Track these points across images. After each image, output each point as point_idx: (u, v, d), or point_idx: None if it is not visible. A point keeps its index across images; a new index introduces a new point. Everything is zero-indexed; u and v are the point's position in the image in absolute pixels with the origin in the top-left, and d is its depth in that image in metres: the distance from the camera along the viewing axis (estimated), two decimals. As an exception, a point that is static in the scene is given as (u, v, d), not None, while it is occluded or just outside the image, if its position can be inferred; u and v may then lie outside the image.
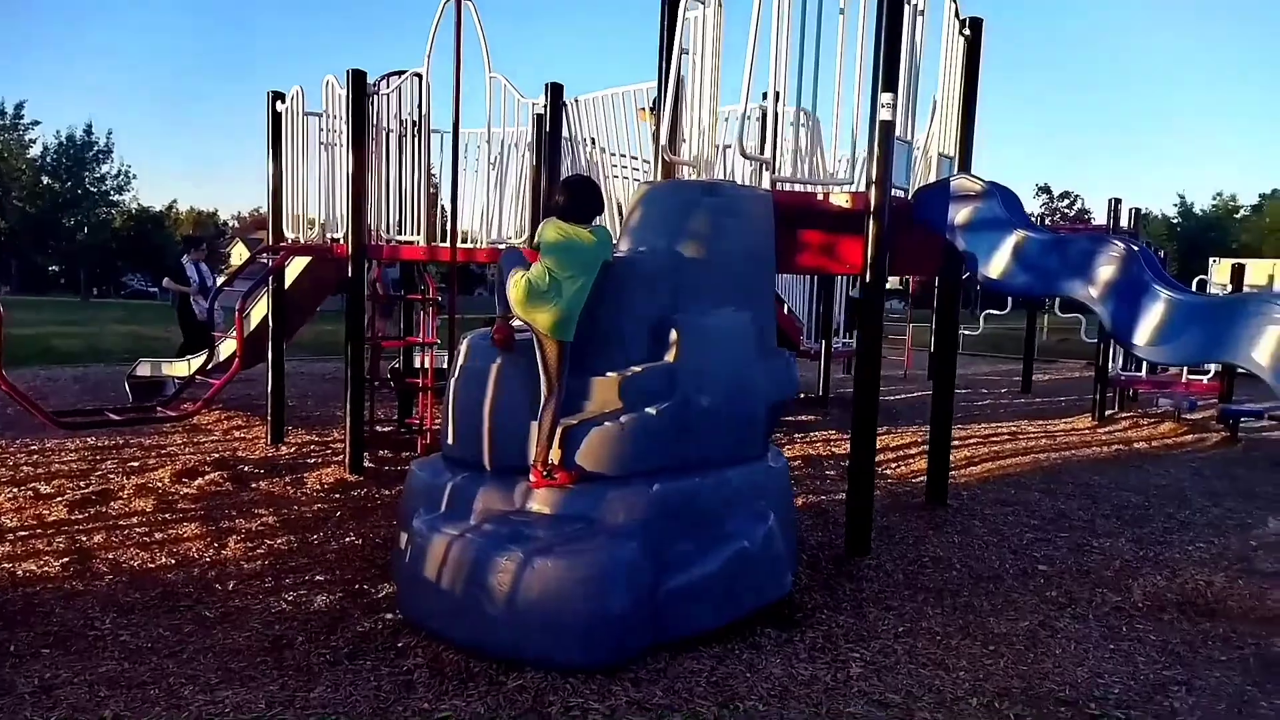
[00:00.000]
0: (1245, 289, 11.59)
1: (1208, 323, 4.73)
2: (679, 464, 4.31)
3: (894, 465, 8.37)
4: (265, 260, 8.36)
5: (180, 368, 9.92)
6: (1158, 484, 7.86)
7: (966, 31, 6.31)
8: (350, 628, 4.11)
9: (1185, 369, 11.56)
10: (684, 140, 5.94)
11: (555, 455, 4.14)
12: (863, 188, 5.36)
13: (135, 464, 7.33)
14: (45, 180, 50.18)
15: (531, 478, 4.15)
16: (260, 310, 8.71)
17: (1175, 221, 63.15)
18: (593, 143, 7.65)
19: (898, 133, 5.31)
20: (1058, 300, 18.16)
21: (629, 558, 3.78)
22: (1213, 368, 11.63)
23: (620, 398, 4.27)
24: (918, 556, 5.47)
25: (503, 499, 4.09)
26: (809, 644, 4.10)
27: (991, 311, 20.33)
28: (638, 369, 4.35)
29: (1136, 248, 5.04)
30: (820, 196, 5.58)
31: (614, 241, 4.61)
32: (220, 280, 10.26)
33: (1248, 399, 10.87)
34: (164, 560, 5.04)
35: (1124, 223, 13.08)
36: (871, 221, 5.25)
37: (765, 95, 7.08)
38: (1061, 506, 6.86)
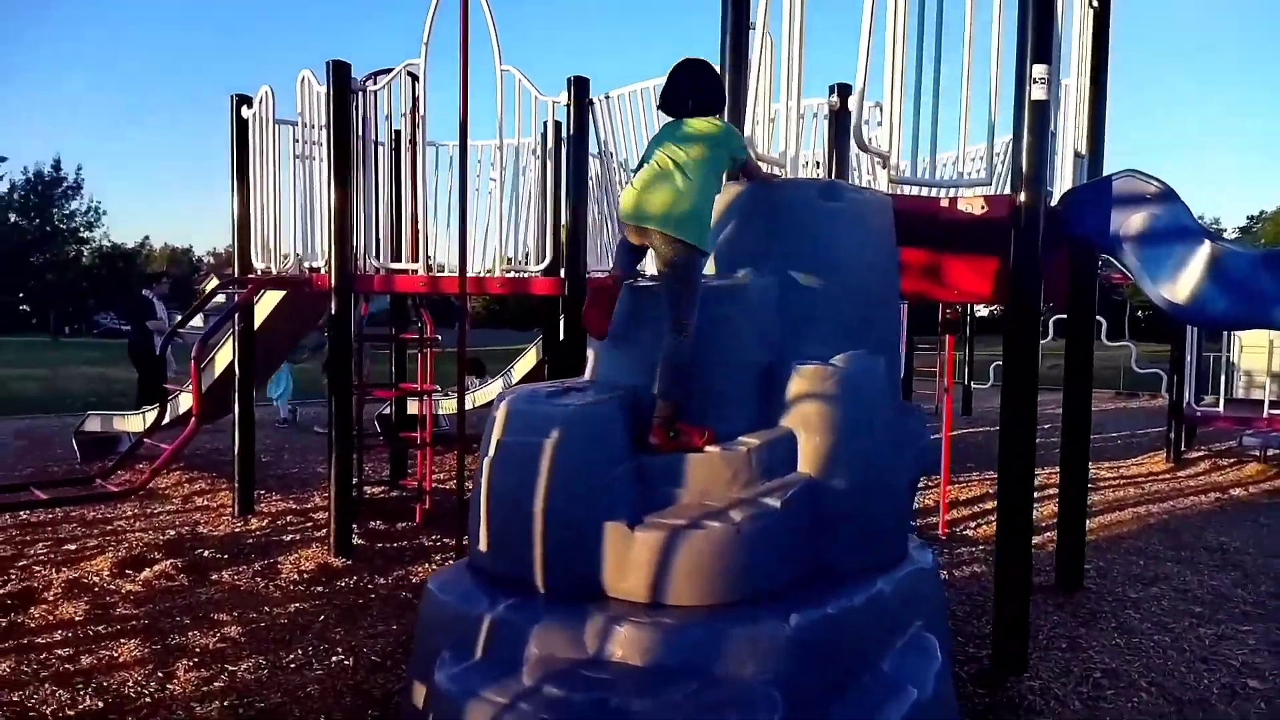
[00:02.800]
0: None
1: None
2: (812, 577, 3.02)
3: (973, 525, 7.10)
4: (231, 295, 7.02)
5: (134, 422, 8.55)
6: (1296, 545, 6.64)
7: (1095, 3, 5.13)
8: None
9: (1267, 403, 10.37)
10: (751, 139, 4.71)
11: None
12: (1003, 190, 4.13)
13: (71, 547, 5.95)
14: (13, 218, 48.58)
15: (652, 438, 3.09)
16: (225, 355, 7.35)
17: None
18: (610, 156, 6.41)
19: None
20: (1052, 324, 17.10)
21: (771, 737, 2.46)
22: (1300, 401, 10.47)
23: (731, 483, 2.98)
24: (1085, 671, 4.18)
25: (569, 641, 2.76)
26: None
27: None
28: (751, 440, 3.06)
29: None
30: (944, 203, 4.34)
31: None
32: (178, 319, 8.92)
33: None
34: (88, 703, 3.68)
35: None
36: (1022, 233, 4.01)
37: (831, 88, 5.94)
38: (1213, 584, 5.59)
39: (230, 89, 8.05)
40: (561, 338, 6.29)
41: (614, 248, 6.31)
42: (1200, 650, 4.47)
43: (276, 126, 6.55)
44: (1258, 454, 10.51)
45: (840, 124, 5.54)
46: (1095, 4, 5.15)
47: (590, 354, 3.57)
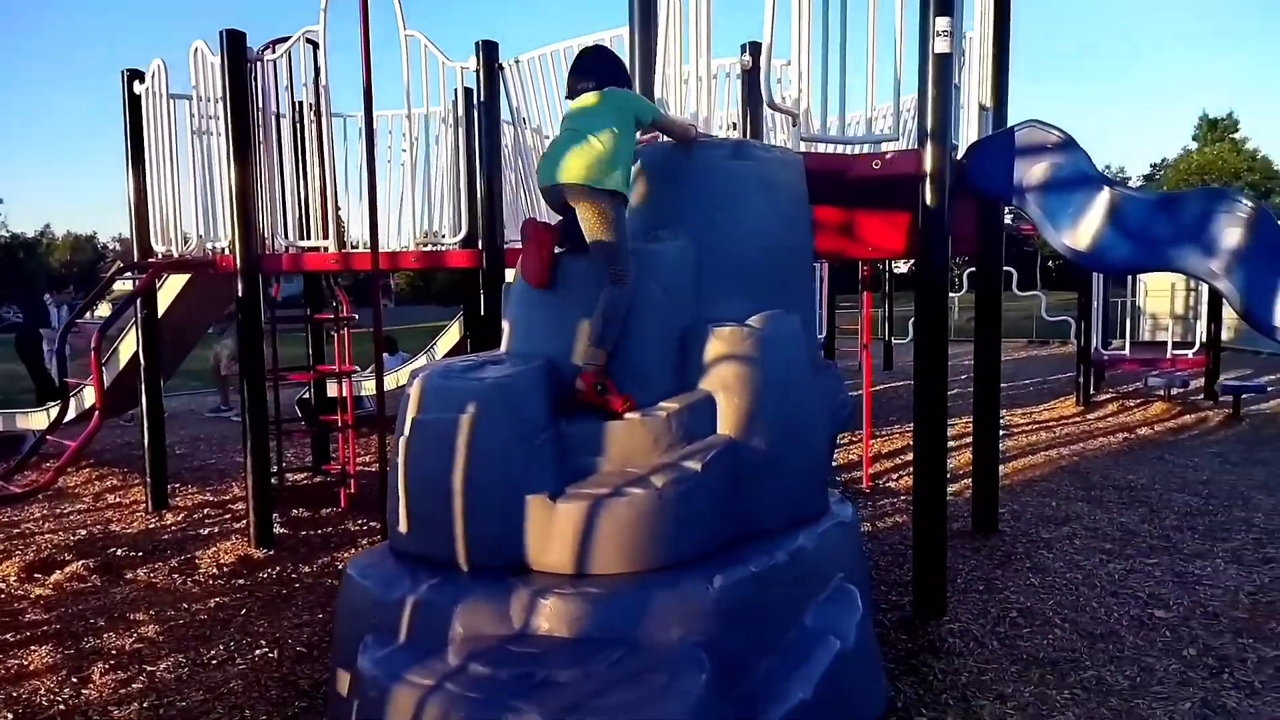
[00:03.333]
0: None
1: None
2: (735, 537, 3.04)
3: (895, 477, 7.27)
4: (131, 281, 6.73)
5: (37, 419, 8.19)
6: (1197, 479, 6.94)
7: (995, -44, 5.18)
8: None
9: (1170, 345, 10.83)
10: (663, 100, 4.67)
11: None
12: (911, 145, 4.18)
13: (-27, 552, 5.68)
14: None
15: (579, 382, 3.10)
16: (129, 345, 7.06)
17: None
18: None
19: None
20: (965, 276, 17.55)
21: (698, 698, 2.48)
22: (1198, 342, 10.95)
23: (651, 448, 2.97)
24: (1003, 611, 4.32)
25: (495, 617, 2.73)
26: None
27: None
28: (671, 405, 3.05)
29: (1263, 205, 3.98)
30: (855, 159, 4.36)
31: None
32: (76, 308, 8.53)
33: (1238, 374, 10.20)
34: (-4, 713, 3.52)
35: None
36: (929, 188, 4.06)
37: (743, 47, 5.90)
38: (1121, 520, 5.82)
39: (125, 64, 7.66)
40: (482, 311, 6.18)
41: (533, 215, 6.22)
42: (1110, 585, 4.66)
43: (171, 102, 6.25)
44: (1162, 394, 10.98)
45: (753, 83, 5.51)
46: (995, -43, 5.20)
47: (505, 326, 3.52)
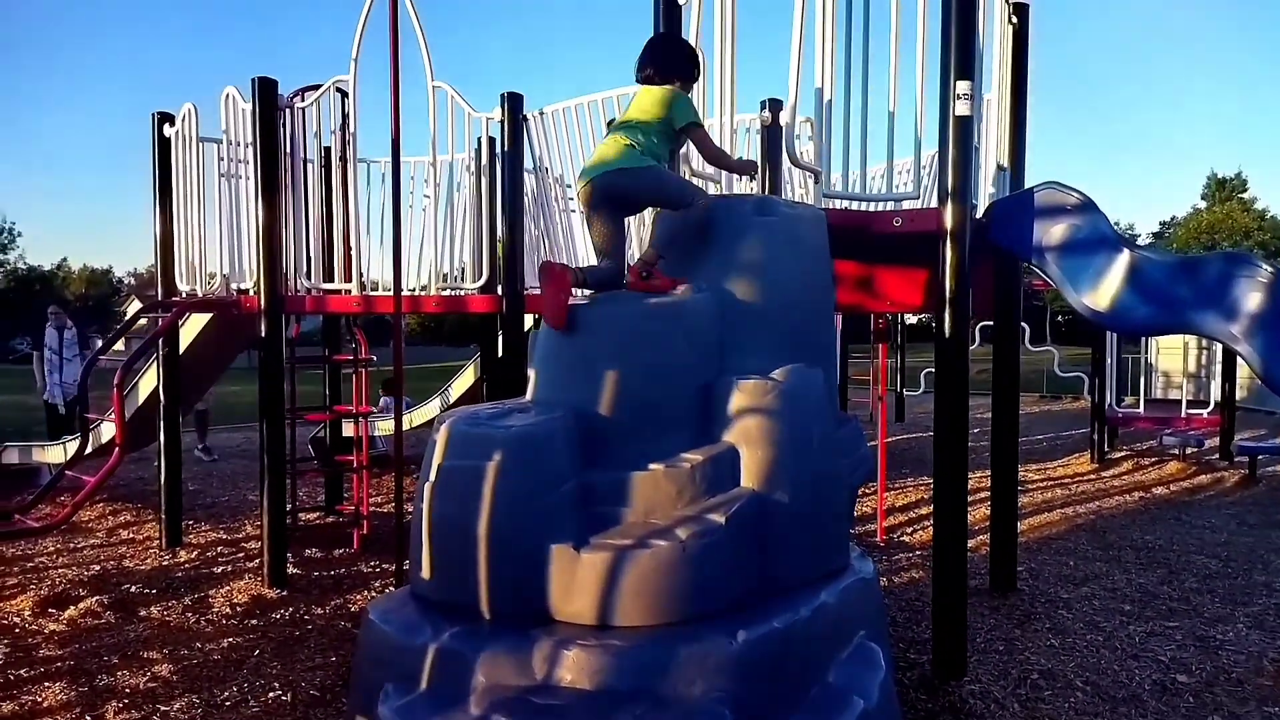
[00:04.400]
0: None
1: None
2: (758, 592, 3.03)
3: (910, 530, 7.24)
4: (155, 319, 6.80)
5: (55, 453, 8.23)
6: (1214, 540, 6.89)
7: (1014, 18, 5.29)
8: None
9: (1184, 403, 10.79)
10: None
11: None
12: (931, 204, 4.23)
13: (-12, 586, 5.68)
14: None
15: (627, 276, 3.50)
16: (149, 381, 7.12)
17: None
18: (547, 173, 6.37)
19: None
20: (978, 330, 17.56)
21: (721, 756, 2.46)
22: (1213, 401, 10.91)
23: (675, 500, 2.98)
24: (1023, 673, 4.27)
25: (517, 667, 2.72)
26: None
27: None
28: (694, 456, 3.07)
29: (1282, 270, 4.00)
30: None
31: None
32: (99, 345, 8.61)
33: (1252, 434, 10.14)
34: (6, 752, 3.51)
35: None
36: (949, 245, 4.11)
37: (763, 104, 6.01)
38: (1140, 581, 5.77)
39: (150, 105, 7.83)
40: (500, 355, 6.23)
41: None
42: (1131, 648, 4.61)
43: (200, 144, 6.38)
44: (1177, 453, 10.91)
45: (772, 139, 5.60)
46: (1014, 20, 5.31)
47: (531, 374, 3.55)
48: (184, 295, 6.58)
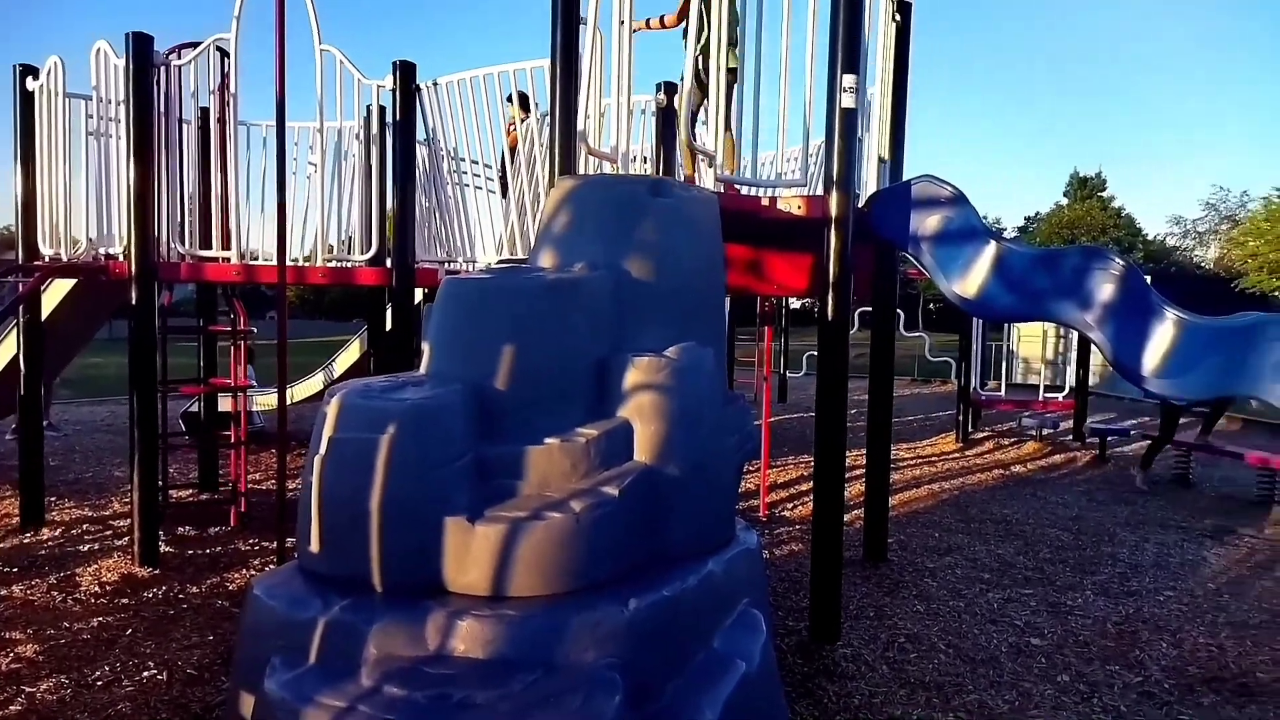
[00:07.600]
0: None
1: (1224, 350, 4.08)
2: (648, 562, 3.13)
3: (790, 506, 7.52)
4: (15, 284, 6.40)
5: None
6: (1066, 514, 7.42)
7: (897, 16, 5.52)
8: None
9: (1042, 388, 11.51)
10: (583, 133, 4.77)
11: None
12: (815, 191, 4.40)
13: None
14: None
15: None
16: (8, 349, 6.70)
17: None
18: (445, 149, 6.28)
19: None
20: (857, 315, 18.29)
21: (613, 719, 2.55)
22: (1068, 386, 11.67)
23: (570, 473, 3.04)
24: (891, 637, 4.53)
25: (410, 639, 2.73)
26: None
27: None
28: (589, 431, 3.13)
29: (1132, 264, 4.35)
30: (765, 202, 4.56)
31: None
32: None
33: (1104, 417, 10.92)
34: None
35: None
36: (834, 232, 4.28)
37: (658, 86, 6.07)
38: (999, 552, 6.17)
39: (11, 58, 7.32)
40: (389, 329, 6.13)
41: (443, 238, 6.24)
42: (989, 613, 4.94)
43: (68, 101, 6.01)
44: (1035, 434, 11.63)
45: (668, 121, 5.69)
46: (898, 18, 5.54)
47: (425, 347, 3.53)
48: (47, 259, 6.21)
